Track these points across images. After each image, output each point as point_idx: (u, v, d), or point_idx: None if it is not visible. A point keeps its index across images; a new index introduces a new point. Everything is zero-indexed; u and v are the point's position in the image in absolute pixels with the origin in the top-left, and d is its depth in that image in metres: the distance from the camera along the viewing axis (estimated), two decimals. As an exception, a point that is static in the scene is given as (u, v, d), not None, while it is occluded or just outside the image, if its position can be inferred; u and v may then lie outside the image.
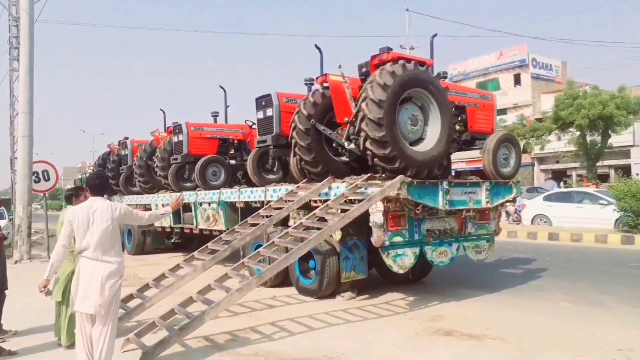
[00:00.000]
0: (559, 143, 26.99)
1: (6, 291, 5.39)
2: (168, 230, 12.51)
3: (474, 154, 8.63)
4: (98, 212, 4.08)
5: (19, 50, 13.15)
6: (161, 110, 13.90)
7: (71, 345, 4.76)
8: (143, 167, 13.09)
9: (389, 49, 6.82)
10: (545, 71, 37.03)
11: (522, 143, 26.76)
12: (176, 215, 11.40)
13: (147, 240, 13.42)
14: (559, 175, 32.81)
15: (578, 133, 23.26)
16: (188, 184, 11.58)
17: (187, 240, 12.92)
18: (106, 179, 5.01)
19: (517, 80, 36.69)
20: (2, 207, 15.09)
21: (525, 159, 32.08)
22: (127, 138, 14.70)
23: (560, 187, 30.26)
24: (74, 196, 5.31)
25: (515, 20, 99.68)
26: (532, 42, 49.53)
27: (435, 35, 7.87)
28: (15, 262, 11.88)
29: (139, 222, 4.70)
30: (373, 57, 6.87)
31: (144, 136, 14.42)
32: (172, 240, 13.16)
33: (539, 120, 28.17)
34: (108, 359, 3.99)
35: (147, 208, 12.38)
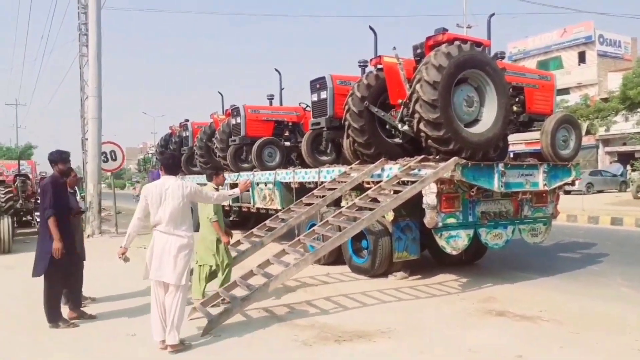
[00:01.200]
0: (627, 124, 25.64)
1: (84, 262, 5.91)
2: (227, 208, 13.01)
3: (534, 135, 8.46)
4: (170, 190, 4.43)
5: (87, 36, 13.96)
6: (219, 93, 14.37)
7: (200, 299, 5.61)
8: (203, 148, 13.59)
9: (444, 30, 6.78)
10: (613, 48, 34.97)
11: (585, 124, 25.59)
12: (234, 194, 11.89)
13: (207, 218, 13.95)
14: (626, 158, 31.12)
15: (648, 114, 21.94)
16: (245, 165, 11.98)
17: (244, 219, 13.38)
18: (179, 159, 5.43)
19: (581, 58, 34.91)
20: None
21: (589, 140, 30.72)
22: (187, 120, 15.28)
23: (627, 170, 28.78)
24: (214, 175, 6.13)
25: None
26: (599, 18, 46.73)
27: (492, 14, 7.73)
28: (88, 236, 12.79)
29: (207, 201, 5.04)
30: (428, 38, 6.85)
31: (201, 118, 14.98)
32: (231, 218, 13.64)
33: (605, 100, 26.79)
34: (179, 325, 4.37)
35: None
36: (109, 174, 15.33)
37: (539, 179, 7.07)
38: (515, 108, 7.61)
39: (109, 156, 14.14)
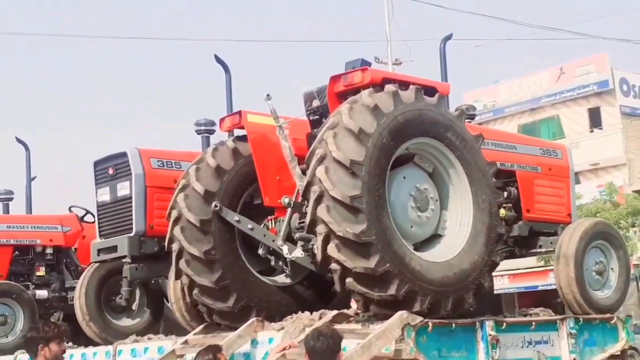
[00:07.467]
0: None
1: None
2: None
3: (524, 262, 9.00)
4: None
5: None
6: None
7: None
8: None
9: (364, 64, 7.09)
10: (643, 101, 39.02)
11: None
12: None
13: None
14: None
15: None
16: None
17: None
18: None
19: (594, 118, 38.61)
20: None
21: (622, 268, 33.18)
22: None
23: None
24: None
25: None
26: (615, 49, 51.94)
27: (449, 36, 8.29)
28: None
29: None
30: (335, 78, 7.12)
31: None
32: None
33: (642, 193, 29.53)
34: None
35: None
36: None
37: (562, 350, 7.31)
38: (503, 211, 7.95)
39: None
